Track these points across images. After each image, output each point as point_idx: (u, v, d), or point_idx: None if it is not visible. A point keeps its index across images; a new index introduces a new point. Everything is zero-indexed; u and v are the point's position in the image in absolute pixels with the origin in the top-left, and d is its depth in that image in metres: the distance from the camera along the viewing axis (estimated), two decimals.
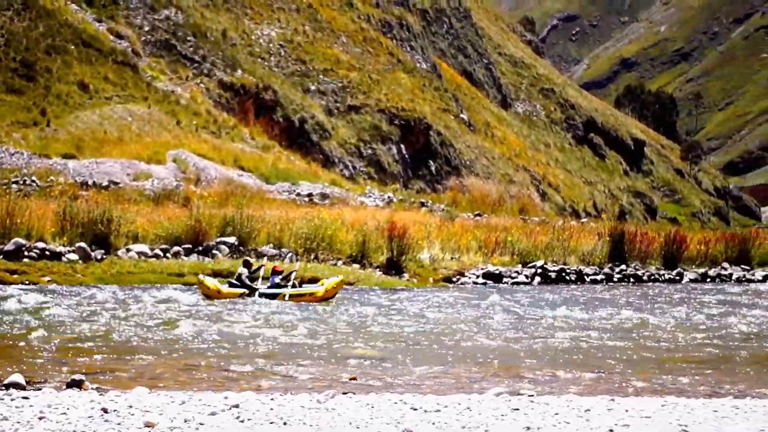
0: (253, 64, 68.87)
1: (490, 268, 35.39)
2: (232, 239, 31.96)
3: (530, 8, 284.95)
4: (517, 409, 11.20)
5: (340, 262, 32.85)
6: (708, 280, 41.28)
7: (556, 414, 10.99)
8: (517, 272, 35.91)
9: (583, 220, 67.98)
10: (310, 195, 51.19)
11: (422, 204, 57.24)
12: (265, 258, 31.31)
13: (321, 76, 73.26)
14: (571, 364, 16.00)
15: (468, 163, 77.27)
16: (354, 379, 13.95)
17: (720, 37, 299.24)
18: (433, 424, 10.22)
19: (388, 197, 57.38)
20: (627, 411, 11.33)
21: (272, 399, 11.44)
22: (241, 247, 31.93)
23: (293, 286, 26.38)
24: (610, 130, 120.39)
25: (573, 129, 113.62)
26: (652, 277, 39.65)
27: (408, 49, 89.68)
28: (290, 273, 27.01)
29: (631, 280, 38.88)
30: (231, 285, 25.88)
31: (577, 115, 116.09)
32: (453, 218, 47.74)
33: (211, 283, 25.57)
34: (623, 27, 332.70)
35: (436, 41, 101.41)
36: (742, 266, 43.82)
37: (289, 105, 66.32)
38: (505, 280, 34.84)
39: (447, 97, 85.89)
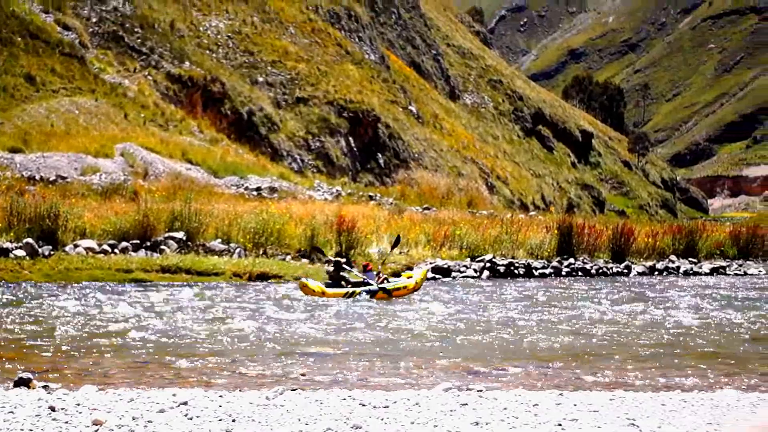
0: (201, 56, 68.70)
1: (439, 262, 35.43)
2: (180, 234, 31.81)
3: None
4: (466, 404, 11.32)
5: (288, 257, 32.88)
6: (656, 273, 41.68)
7: (505, 408, 11.11)
8: (465, 266, 35.94)
9: (532, 213, 68.39)
10: (258, 189, 51.12)
11: (371, 197, 57.40)
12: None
13: (269, 68, 73.19)
14: (519, 359, 16.10)
15: (416, 155, 77.44)
16: (303, 375, 14.01)
17: (667, 27, 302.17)
18: (382, 419, 10.33)
19: (337, 191, 57.46)
20: (575, 405, 11.47)
21: (221, 396, 11.47)
22: (189, 242, 31.81)
23: (385, 281, 26.82)
24: (558, 122, 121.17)
25: (521, 121, 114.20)
26: (600, 271, 39.92)
27: (356, 40, 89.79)
28: (378, 270, 27.58)
29: (580, 273, 39.11)
30: (327, 285, 26.04)
31: (525, 107, 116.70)
32: (401, 212, 47.84)
33: (315, 285, 25.58)
34: (571, 17, 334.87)
35: (384, 32, 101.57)
36: (690, 259, 44.34)
37: (237, 97, 66.22)
38: (453, 274, 34.86)
39: (395, 89, 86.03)
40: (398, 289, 26.52)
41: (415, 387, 13.11)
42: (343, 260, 29.53)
